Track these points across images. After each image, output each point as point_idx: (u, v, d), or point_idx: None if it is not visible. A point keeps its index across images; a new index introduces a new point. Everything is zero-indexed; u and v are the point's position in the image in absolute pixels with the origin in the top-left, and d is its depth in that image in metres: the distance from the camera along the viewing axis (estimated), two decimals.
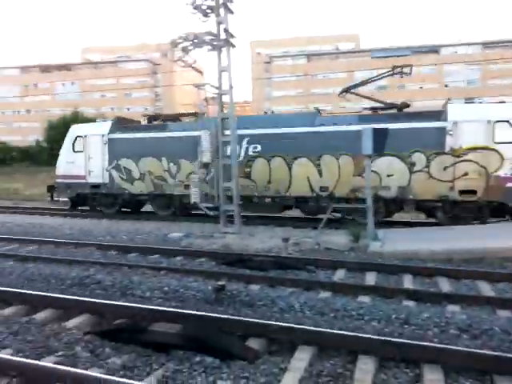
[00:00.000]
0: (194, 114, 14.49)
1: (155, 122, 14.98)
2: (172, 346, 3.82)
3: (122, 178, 13.96)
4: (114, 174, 14.03)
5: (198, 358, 3.55)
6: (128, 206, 14.87)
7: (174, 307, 4.84)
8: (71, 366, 3.36)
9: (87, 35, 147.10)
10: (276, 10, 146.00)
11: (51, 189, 15.34)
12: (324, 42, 63.44)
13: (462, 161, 10.54)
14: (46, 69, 72.60)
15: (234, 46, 9.77)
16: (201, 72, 15.44)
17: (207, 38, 9.35)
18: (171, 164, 13.17)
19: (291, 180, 11.99)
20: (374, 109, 12.42)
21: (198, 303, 5.17)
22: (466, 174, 10.51)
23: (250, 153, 12.27)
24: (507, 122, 10.25)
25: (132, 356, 3.70)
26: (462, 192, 10.58)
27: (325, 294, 5.50)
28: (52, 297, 4.94)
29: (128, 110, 69.15)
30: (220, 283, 5.33)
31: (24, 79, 71.29)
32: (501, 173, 10.26)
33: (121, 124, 14.74)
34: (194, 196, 10.77)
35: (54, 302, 4.85)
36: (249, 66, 73.74)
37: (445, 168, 10.64)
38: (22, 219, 12.87)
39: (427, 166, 10.79)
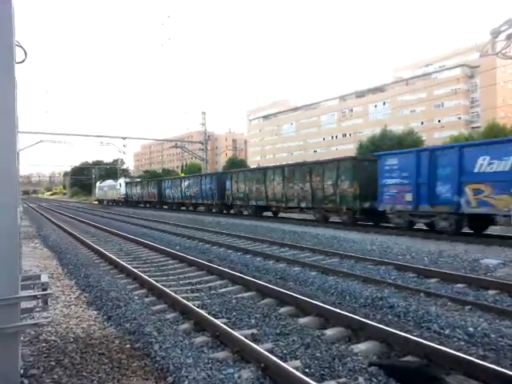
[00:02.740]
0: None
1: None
2: None
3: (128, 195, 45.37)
4: (128, 192, 45.45)
5: None
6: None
7: (480, 358, 3.83)
8: None
9: (398, 53, 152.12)
10: None
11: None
12: None
13: None
14: (360, 94, 79.54)
15: None
16: None
17: None
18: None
19: None
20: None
21: None
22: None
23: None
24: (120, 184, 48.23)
25: None
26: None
27: None
28: (344, 315, 4.88)
29: (439, 121, 66.14)
30: None
31: (341, 106, 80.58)
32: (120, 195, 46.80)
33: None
34: None
35: (346, 321, 4.78)
36: None
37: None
38: (329, 232, 14.08)
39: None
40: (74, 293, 6.67)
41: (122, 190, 45.84)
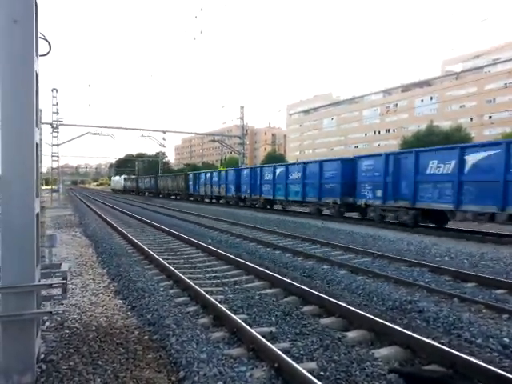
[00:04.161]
0: None
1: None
2: None
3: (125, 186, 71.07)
4: (125, 185, 70.58)
5: None
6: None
7: None
8: None
9: (448, 45, 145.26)
10: None
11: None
12: None
13: None
14: (406, 88, 76.64)
15: None
16: None
17: None
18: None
19: None
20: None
21: None
22: None
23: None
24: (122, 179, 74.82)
25: None
26: None
27: None
28: (368, 318, 4.67)
29: (490, 117, 62.53)
30: None
31: (385, 101, 78.04)
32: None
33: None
34: None
35: (370, 324, 4.57)
36: None
37: None
38: (361, 229, 13.67)
39: None
40: (104, 281, 6.85)
41: (122, 183, 71.44)
